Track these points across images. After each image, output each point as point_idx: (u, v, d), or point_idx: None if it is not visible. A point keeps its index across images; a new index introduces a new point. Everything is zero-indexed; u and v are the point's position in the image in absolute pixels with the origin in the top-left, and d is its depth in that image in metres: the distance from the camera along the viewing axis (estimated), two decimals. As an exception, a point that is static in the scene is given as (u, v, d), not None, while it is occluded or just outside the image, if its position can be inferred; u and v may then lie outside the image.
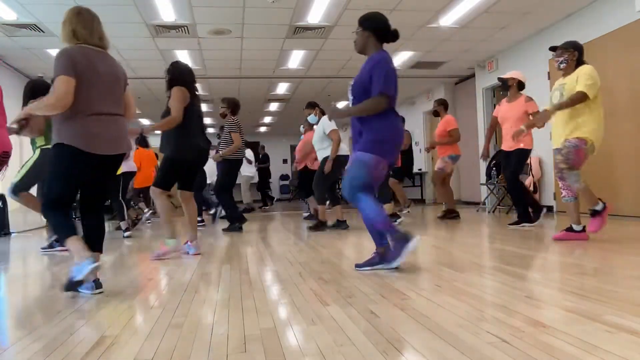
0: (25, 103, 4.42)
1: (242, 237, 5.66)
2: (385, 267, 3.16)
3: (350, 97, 3.36)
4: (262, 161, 13.58)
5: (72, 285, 2.74)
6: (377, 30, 3.28)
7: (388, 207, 6.55)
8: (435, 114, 7.64)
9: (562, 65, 4.24)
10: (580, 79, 4.06)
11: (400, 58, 9.18)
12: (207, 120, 14.43)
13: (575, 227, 4.27)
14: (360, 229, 6.14)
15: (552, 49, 4.37)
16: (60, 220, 2.83)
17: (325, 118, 6.25)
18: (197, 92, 4.42)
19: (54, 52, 7.97)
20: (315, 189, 6.28)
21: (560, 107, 4.09)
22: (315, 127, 6.57)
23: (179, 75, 4.30)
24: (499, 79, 5.79)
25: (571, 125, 4.10)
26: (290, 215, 9.52)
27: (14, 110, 3.82)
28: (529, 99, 5.46)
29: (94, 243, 2.86)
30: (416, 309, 2.19)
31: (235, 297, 2.57)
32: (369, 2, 6.40)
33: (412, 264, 3.39)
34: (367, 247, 4.50)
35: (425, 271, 3.12)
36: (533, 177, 7.94)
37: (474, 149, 9.86)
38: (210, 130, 13.76)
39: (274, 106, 13.75)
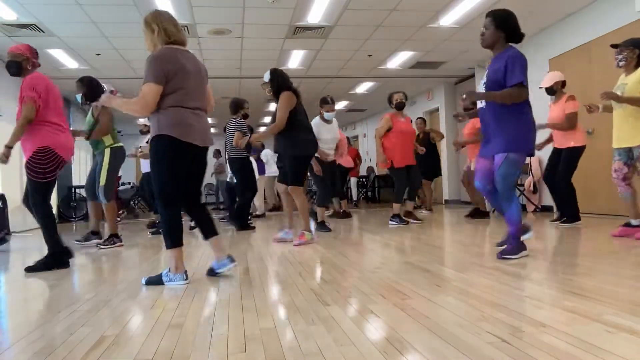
0: (87, 98, 4.85)
1: (241, 237, 5.67)
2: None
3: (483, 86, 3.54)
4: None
5: (155, 283, 3.00)
6: (509, 30, 3.41)
7: (409, 205, 6.51)
8: (467, 111, 7.55)
9: (620, 63, 4.26)
10: None
11: (400, 58, 9.18)
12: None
13: (633, 221, 4.32)
14: (361, 229, 6.14)
15: (614, 46, 4.37)
16: (172, 223, 2.97)
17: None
18: (298, 91, 4.84)
19: (54, 52, 7.99)
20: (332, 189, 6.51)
21: (630, 101, 4.06)
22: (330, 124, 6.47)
23: (284, 82, 4.75)
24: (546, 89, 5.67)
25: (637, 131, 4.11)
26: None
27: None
28: (570, 98, 5.44)
29: (210, 231, 3.15)
30: (416, 309, 2.19)
31: (235, 297, 2.57)
32: (369, 2, 6.41)
33: (413, 264, 3.40)
34: (368, 247, 4.50)
35: (425, 271, 3.12)
36: (533, 177, 7.93)
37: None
38: (211, 130, 13.72)
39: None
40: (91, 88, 4.92)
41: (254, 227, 6.78)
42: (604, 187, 6.52)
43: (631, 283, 2.56)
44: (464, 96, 3.67)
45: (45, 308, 2.56)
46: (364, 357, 1.62)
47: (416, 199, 8.04)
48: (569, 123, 5.33)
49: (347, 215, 8.08)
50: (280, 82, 4.74)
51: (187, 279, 3.02)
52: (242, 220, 6.59)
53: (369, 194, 14.03)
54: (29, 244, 6.20)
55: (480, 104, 3.50)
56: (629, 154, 4.24)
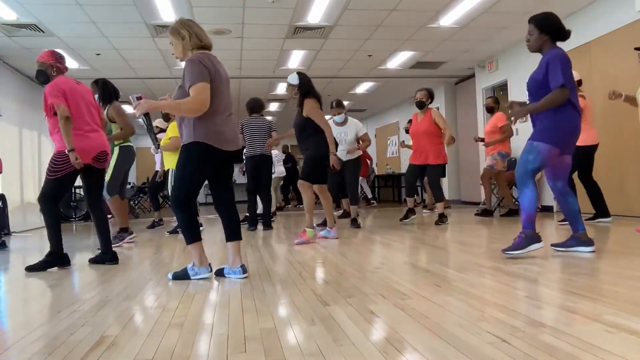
0: (103, 100, 5.00)
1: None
2: (580, 251, 3.51)
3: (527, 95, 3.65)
4: (286, 162, 13.10)
5: (181, 277, 3.13)
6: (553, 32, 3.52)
7: (440, 206, 6.50)
8: (490, 110, 7.59)
9: None
10: None
11: (400, 58, 9.18)
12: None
13: None
14: (361, 229, 6.13)
15: (638, 49, 4.36)
16: (188, 221, 3.12)
17: (355, 120, 6.56)
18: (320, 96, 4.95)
19: (54, 52, 7.99)
20: (353, 190, 6.58)
21: None
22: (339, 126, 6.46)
23: (311, 87, 4.87)
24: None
25: None
26: (290, 215, 9.52)
27: (14, 111, 3.83)
28: (579, 96, 5.53)
29: (234, 235, 3.21)
30: (416, 309, 2.19)
31: (235, 297, 2.58)
32: (369, 2, 6.41)
33: (413, 264, 3.40)
34: (368, 247, 4.50)
35: (425, 271, 3.12)
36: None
37: (475, 149, 9.87)
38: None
39: (274, 106, 13.74)
40: (104, 90, 5.04)
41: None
42: (612, 187, 6.51)
43: (631, 283, 2.56)
44: (510, 112, 3.72)
45: (45, 308, 2.56)
46: (364, 357, 1.62)
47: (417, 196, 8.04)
48: None
49: (348, 215, 8.09)
50: (308, 88, 4.87)
51: (211, 271, 3.17)
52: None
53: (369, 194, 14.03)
54: (29, 244, 6.19)
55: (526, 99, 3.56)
56: None
